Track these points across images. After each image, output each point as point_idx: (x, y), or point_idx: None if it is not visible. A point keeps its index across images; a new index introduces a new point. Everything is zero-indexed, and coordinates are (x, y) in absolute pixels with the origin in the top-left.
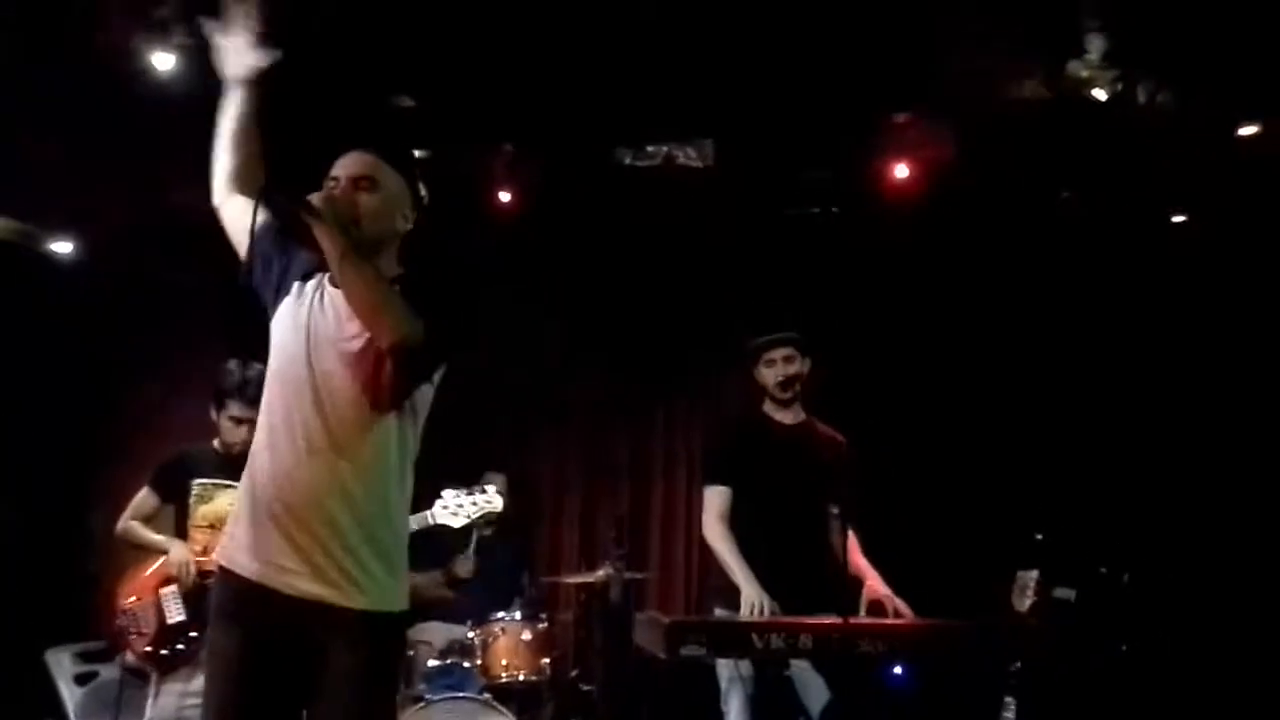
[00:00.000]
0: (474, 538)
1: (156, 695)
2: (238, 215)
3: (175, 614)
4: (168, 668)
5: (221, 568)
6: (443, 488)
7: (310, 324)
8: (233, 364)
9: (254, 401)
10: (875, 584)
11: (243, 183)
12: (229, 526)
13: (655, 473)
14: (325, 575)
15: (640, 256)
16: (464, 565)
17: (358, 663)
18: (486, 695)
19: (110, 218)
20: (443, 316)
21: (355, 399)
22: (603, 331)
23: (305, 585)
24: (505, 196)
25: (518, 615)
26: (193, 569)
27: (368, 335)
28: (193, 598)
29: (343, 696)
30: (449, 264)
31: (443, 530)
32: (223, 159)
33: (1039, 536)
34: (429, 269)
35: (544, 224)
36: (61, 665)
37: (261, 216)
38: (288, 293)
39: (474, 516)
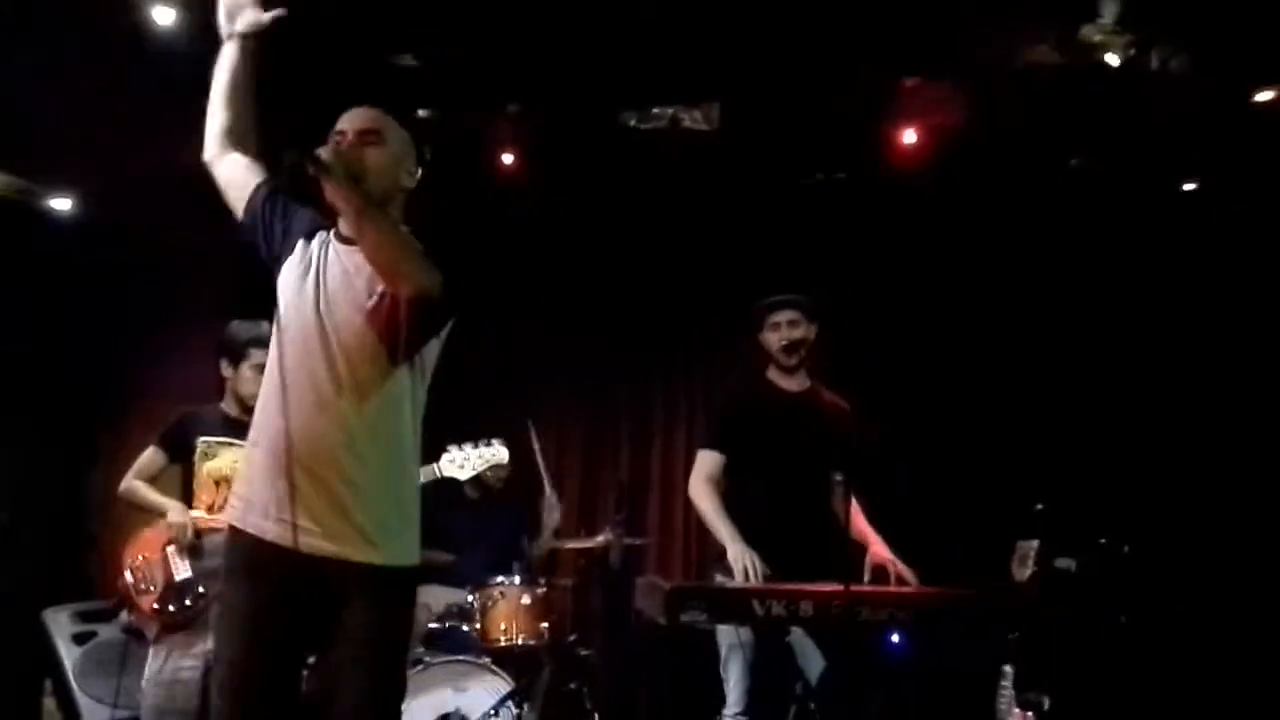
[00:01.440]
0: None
1: (156, 656)
2: (232, 172)
3: (182, 571)
4: (173, 625)
5: (233, 528)
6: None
7: (319, 281)
8: (236, 323)
9: None
10: (879, 549)
11: (236, 139)
12: (237, 488)
13: (655, 439)
14: (341, 532)
15: (644, 220)
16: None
17: (374, 617)
18: (485, 659)
19: (110, 174)
20: (452, 269)
21: (369, 352)
22: (605, 296)
23: (321, 543)
24: (508, 159)
25: (517, 580)
26: (190, 530)
27: (380, 288)
28: (197, 555)
29: (359, 650)
30: (451, 224)
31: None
32: (217, 115)
33: (1040, 506)
34: (432, 228)
35: (547, 186)
36: (60, 624)
37: (260, 177)
38: (291, 252)
39: (480, 469)
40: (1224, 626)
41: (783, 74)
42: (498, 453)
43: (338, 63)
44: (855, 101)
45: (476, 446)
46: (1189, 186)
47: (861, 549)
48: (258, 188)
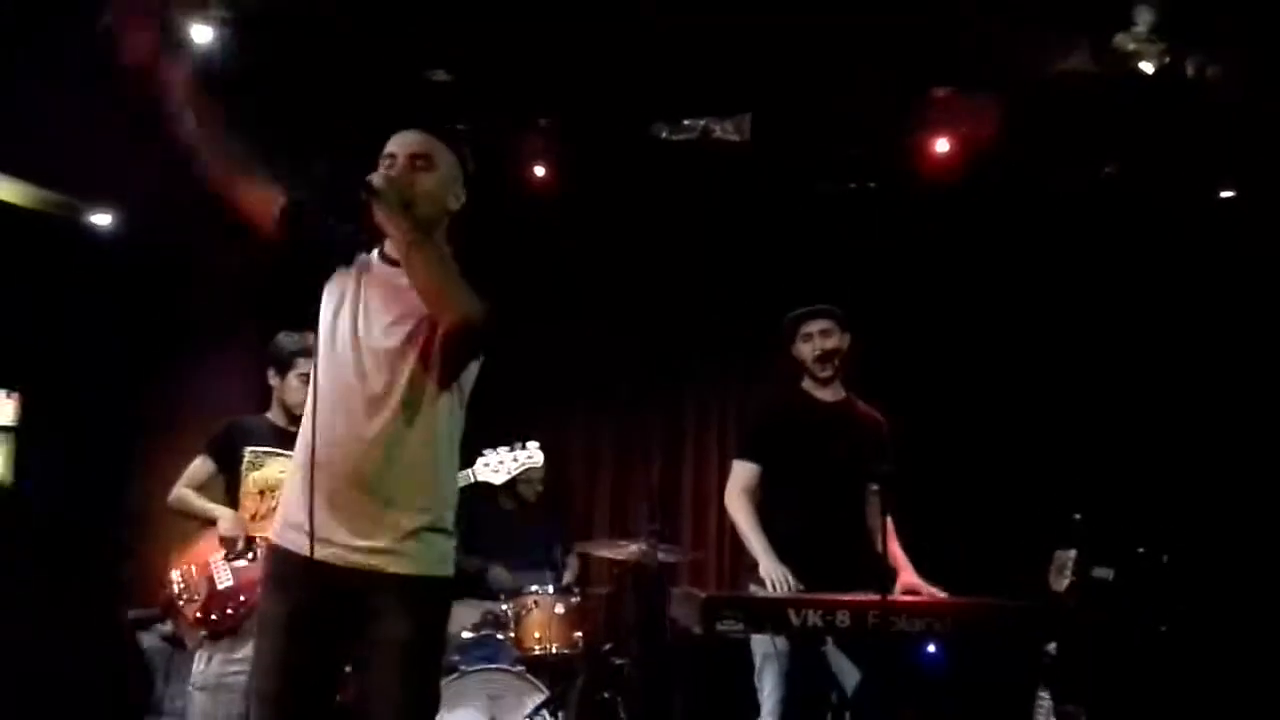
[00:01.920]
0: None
1: (200, 660)
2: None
3: (224, 580)
4: (216, 633)
5: (272, 544)
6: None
7: (359, 303)
8: (283, 334)
9: None
10: (909, 575)
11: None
12: (280, 507)
13: (687, 449)
14: (377, 547)
15: (676, 231)
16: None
17: (409, 628)
18: (520, 667)
19: (150, 190)
20: (494, 295)
21: (408, 374)
22: (636, 306)
23: (358, 558)
24: (540, 171)
25: (551, 588)
26: (244, 540)
27: (421, 313)
28: (241, 564)
29: (395, 661)
30: (487, 241)
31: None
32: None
33: (1077, 516)
34: (470, 244)
35: (579, 198)
36: None
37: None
38: (332, 271)
39: (515, 472)
40: (1265, 637)
41: (814, 84)
42: (533, 455)
43: (373, 79)
44: (887, 111)
45: (511, 449)
46: (1226, 195)
47: (894, 574)
48: (283, 204)
